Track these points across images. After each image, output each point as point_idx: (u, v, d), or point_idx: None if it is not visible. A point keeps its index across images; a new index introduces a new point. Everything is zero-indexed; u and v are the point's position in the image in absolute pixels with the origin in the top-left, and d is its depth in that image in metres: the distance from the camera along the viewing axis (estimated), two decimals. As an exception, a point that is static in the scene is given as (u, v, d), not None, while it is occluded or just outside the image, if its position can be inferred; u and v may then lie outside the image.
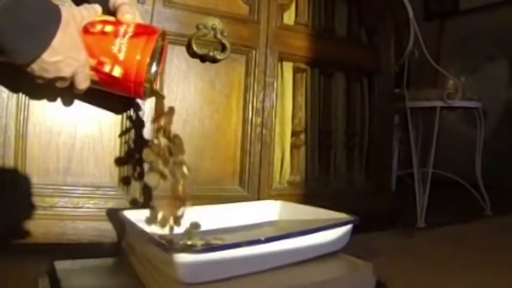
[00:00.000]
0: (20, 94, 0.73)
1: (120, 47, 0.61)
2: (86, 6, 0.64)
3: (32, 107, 0.75)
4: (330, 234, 0.67)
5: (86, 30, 0.61)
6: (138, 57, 0.61)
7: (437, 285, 0.78)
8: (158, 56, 0.67)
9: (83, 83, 0.62)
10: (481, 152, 1.59)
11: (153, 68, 0.66)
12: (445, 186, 1.64)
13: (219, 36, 0.89)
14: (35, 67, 0.56)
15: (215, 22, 0.89)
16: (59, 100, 0.75)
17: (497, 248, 1.05)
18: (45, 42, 0.55)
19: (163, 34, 0.69)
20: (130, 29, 0.62)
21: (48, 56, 0.55)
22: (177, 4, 0.86)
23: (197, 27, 0.87)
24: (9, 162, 0.73)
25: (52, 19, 0.55)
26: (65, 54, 0.57)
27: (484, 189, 1.54)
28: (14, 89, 0.73)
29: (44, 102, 0.75)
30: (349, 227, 0.70)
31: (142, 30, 0.63)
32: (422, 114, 1.70)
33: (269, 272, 0.59)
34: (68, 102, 0.76)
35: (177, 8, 0.86)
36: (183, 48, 0.88)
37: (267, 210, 0.85)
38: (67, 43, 0.57)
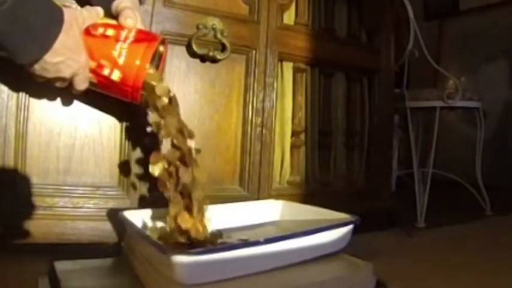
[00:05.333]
0: (20, 94, 0.73)
1: (121, 51, 0.61)
2: (88, 8, 0.64)
3: (32, 107, 0.74)
4: (330, 234, 0.67)
5: (88, 32, 0.61)
6: (137, 62, 0.61)
7: (437, 285, 0.78)
8: (157, 62, 0.68)
9: (81, 84, 0.62)
10: (481, 152, 1.59)
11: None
12: (445, 186, 1.64)
13: (219, 36, 0.88)
14: (36, 67, 0.57)
15: (215, 22, 0.89)
16: (59, 100, 0.75)
17: (497, 248, 1.05)
18: (47, 44, 0.55)
19: (164, 41, 0.69)
20: (132, 34, 0.63)
21: (49, 57, 0.56)
22: (177, 4, 0.86)
23: (197, 27, 0.87)
24: (9, 162, 0.73)
25: (55, 21, 0.56)
26: (66, 56, 0.57)
27: (484, 189, 1.54)
28: (14, 89, 0.73)
29: (44, 102, 0.75)
30: (350, 227, 0.70)
31: (143, 37, 0.63)
32: (422, 114, 1.70)
33: (269, 273, 0.59)
34: (68, 102, 0.76)
35: (177, 8, 0.86)
36: (183, 48, 0.88)
37: (269, 210, 0.85)
38: (69, 45, 0.57)
